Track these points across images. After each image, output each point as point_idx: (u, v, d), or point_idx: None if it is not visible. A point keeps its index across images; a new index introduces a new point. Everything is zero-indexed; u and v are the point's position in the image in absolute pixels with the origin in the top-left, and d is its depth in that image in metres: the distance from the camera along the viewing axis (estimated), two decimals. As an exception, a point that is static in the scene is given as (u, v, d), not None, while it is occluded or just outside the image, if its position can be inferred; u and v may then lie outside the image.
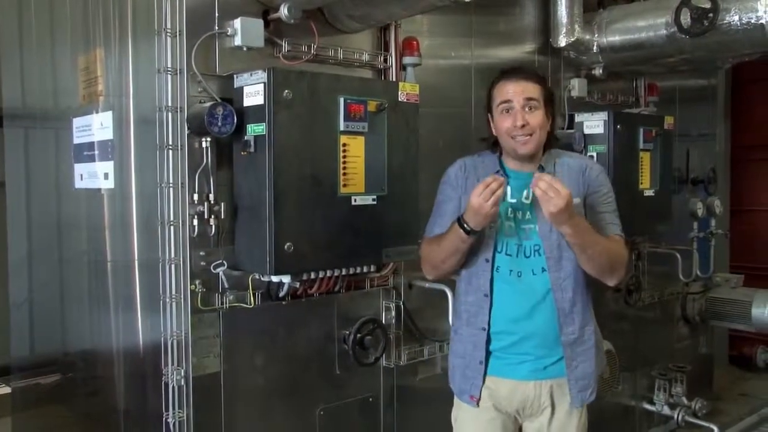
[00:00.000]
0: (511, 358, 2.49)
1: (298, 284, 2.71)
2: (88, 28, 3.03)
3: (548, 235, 2.43)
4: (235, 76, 2.63)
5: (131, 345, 2.82)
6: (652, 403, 4.74)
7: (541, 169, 2.47)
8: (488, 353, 2.52)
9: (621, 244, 2.51)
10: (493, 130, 2.52)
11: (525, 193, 2.47)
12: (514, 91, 2.42)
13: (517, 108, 2.41)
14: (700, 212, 4.96)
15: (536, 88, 2.44)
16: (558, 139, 2.60)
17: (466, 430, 2.62)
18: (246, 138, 2.56)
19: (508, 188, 2.46)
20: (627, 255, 2.55)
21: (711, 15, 3.47)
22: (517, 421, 2.59)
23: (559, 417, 2.52)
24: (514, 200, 2.49)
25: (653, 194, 4.16)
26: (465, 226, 2.35)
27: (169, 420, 2.57)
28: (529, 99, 2.41)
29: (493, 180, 2.28)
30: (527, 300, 2.46)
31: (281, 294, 2.75)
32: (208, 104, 2.52)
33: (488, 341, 2.51)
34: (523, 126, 2.39)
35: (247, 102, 2.57)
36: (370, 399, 3.15)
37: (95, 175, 2.97)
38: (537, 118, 2.42)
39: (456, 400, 2.65)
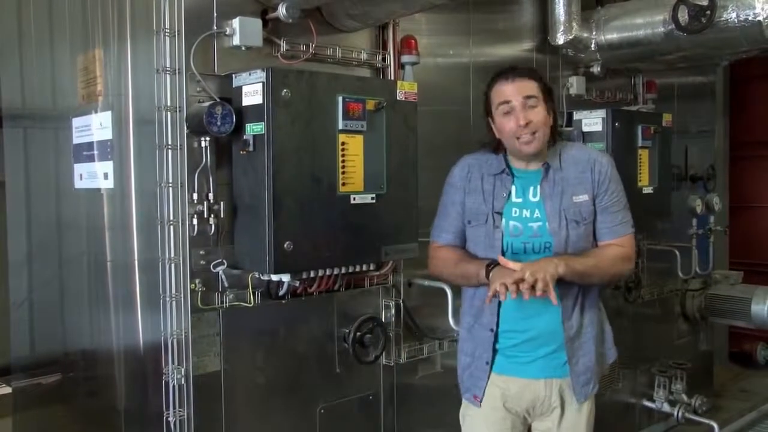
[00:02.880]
0: (521, 357, 2.49)
1: (297, 283, 2.71)
2: (87, 28, 3.03)
3: (558, 231, 2.43)
4: (233, 75, 2.64)
5: (131, 344, 2.82)
6: (652, 400, 4.74)
7: (547, 166, 2.47)
8: (496, 352, 2.52)
9: (618, 248, 2.49)
10: (496, 133, 2.51)
11: (531, 191, 2.48)
12: (512, 91, 2.41)
13: (517, 107, 2.40)
14: (699, 209, 4.96)
15: (533, 85, 2.43)
16: (561, 133, 2.60)
17: (476, 428, 2.61)
18: (245, 137, 2.56)
19: (513, 188, 2.48)
20: (630, 252, 2.53)
21: (708, 12, 3.47)
22: (527, 421, 2.58)
23: (568, 417, 2.51)
24: (520, 199, 2.48)
25: (652, 191, 4.17)
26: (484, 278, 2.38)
27: (170, 419, 2.57)
28: (528, 97, 2.40)
29: (501, 287, 2.26)
30: (537, 298, 2.38)
31: (281, 293, 2.75)
32: (207, 104, 2.52)
33: (496, 341, 2.51)
34: (526, 124, 2.38)
35: (246, 101, 2.57)
36: (370, 397, 3.16)
37: (95, 175, 2.97)
38: (539, 114, 2.41)
39: (464, 401, 2.64)
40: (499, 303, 2.47)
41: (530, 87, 2.42)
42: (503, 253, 2.44)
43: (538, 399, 2.50)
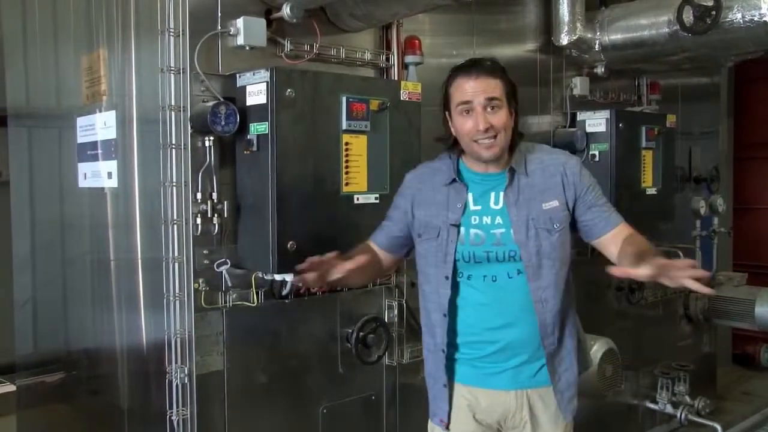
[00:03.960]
0: (489, 368, 2.32)
1: (300, 283, 2.71)
2: (91, 28, 3.04)
3: (525, 242, 2.22)
4: (237, 75, 2.64)
5: (135, 343, 2.83)
6: (655, 401, 4.73)
7: (512, 171, 2.27)
8: (463, 362, 2.35)
9: (637, 233, 2.30)
10: (452, 130, 2.29)
11: (493, 197, 2.28)
12: (474, 91, 2.18)
13: (478, 110, 2.18)
14: (702, 211, 4.96)
15: (497, 85, 2.20)
16: (523, 135, 2.34)
17: None
18: (249, 137, 2.57)
19: (470, 195, 2.28)
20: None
21: (713, 13, 3.46)
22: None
23: (544, 429, 2.35)
24: (478, 207, 2.28)
25: (656, 193, 4.16)
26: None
27: (173, 418, 2.58)
28: (491, 99, 2.18)
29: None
30: (507, 306, 2.27)
31: (284, 292, 2.75)
32: (210, 103, 2.52)
33: (460, 351, 2.34)
34: (486, 129, 2.17)
35: (250, 101, 2.57)
36: (373, 397, 3.16)
37: (99, 174, 2.98)
38: (500, 118, 2.19)
39: (430, 421, 2.48)
40: (452, 320, 2.30)
41: (493, 86, 2.19)
42: (466, 263, 2.26)
43: (509, 411, 2.33)
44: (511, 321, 2.27)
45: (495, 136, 2.19)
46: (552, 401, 2.34)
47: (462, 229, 2.26)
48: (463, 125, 2.22)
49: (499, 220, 2.26)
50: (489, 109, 2.18)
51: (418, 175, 2.41)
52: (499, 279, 2.27)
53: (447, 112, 2.29)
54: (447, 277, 2.27)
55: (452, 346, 2.34)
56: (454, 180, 2.30)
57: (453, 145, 2.33)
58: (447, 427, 2.38)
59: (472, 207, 2.28)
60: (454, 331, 2.33)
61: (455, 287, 2.30)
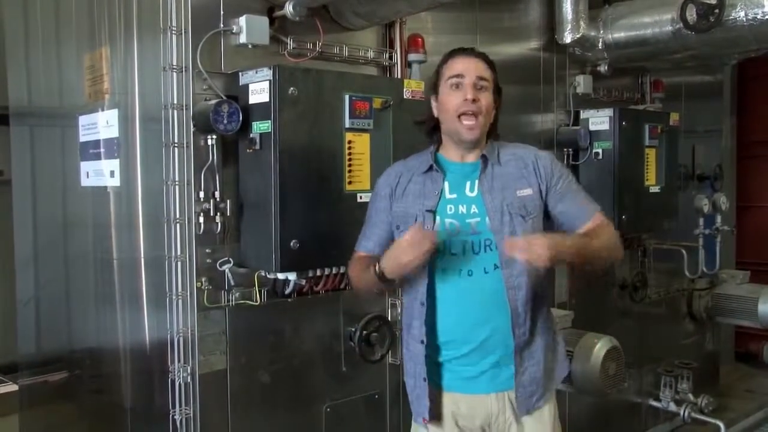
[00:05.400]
0: (466, 370, 2.27)
1: (303, 281, 2.70)
2: (93, 27, 3.04)
3: (500, 228, 2.21)
4: (240, 73, 2.63)
5: (138, 342, 2.83)
6: (658, 399, 4.72)
7: (484, 158, 2.27)
8: (440, 366, 2.30)
9: (608, 225, 2.31)
10: (435, 112, 2.32)
11: (468, 185, 2.27)
12: (467, 67, 2.25)
13: (467, 84, 2.22)
14: (706, 208, 4.95)
15: (489, 71, 2.27)
16: (499, 136, 2.37)
17: None
18: (251, 135, 2.56)
19: (446, 183, 2.28)
20: (613, 230, 2.32)
21: (717, 11, 3.46)
22: None
23: (529, 428, 2.30)
24: (454, 195, 2.27)
25: (659, 191, 4.16)
26: (381, 272, 2.16)
27: (176, 417, 2.58)
28: (481, 78, 2.24)
29: (415, 234, 2.08)
30: (481, 303, 2.23)
31: (287, 291, 2.74)
32: (213, 102, 2.52)
33: (438, 353, 2.29)
34: (474, 101, 2.20)
35: (253, 99, 2.57)
36: (376, 396, 3.15)
37: (101, 173, 2.98)
38: (486, 99, 2.24)
39: (413, 422, 2.43)
40: (431, 312, 2.26)
41: (485, 70, 2.26)
42: (441, 254, 2.22)
43: (491, 415, 2.28)
44: (486, 317, 2.23)
45: (477, 116, 2.22)
46: (515, 397, 2.28)
47: (437, 218, 2.25)
48: (451, 100, 2.24)
49: (474, 209, 2.25)
50: (478, 88, 2.23)
51: (393, 172, 2.39)
52: (476, 274, 2.23)
53: (433, 96, 2.33)
54: (424, 266, 2.20)
55: (430, 347, 2.30)
56: (431, 168, 2.30)
57: (432, 131, 2.36)
58: (428, 423, 2.32)
59: (447, 195, 2.28)
60: (433, 331, 2.29)
61: (431, 283, 2.26)
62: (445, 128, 2.31)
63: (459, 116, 2.23)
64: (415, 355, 2.31)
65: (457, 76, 2.24)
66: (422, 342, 2.28)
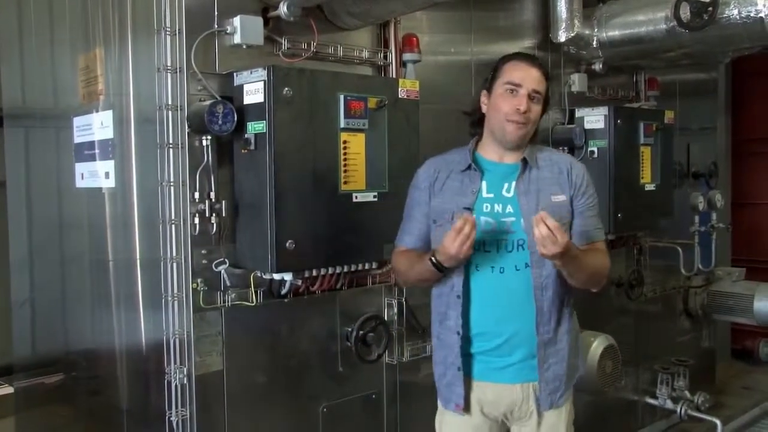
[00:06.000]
0: (495, 362, 2.39)
1: (299, 282, 2.70)
2: (87, 28, 3.03)
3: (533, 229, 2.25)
4: (234, 74, 2.63)
5: (133, 344, 2.82)
6: (654, 397, 4.73)
7: (525, 162, 2.37)
8: (470, 356, 2.41)
9: (605, 255, 2.42)
10: (484, 108, 2.42)
11: (505, 186, 2.37)
12: (527, 77, 2.33)
13: (523, 93, 2.31)
14: (701, 206, 4.96)
15: (544, 84, 2.36)
16: (537, 136, 2.48)
17: None
18: (246, 136, 2.56)
19: (483, 183, 2.37)
20: (608, 263, 2.44)
21: (710, 9, 3.47)
22: (505, 425, 2.50)
23: (547, 420, 2.41)
24: (491, 195, 2.37)
25: (654, 188, 4.17)
26: (438, 265, 2.26)
27: (172, 418, 2.57)
28: (537, 91, 2.33)
29: (464, 223, 2.15)
30: (511, 298, 2.34)
31: (283, 291, 2.75)
32: (208, 102, 2.51)
33: (469, 344, 2.40)
34: (525, 112, 2.30)
35: (247, 100, 2.57)
36: (374, 396, 3.15)
37: (96, 174, 2.97)
38: (537, 111, 2.35)
39: (440, 406, 2.53)
40: (468, 306, 2.36)
41: (542, 83, 2.35)
42: (476, 250, 2.28)
43: (515, 404, 2.41)
44: (514, 314, 2.35)
45: (526, 124, 2.32)
46: (540, 391, 2.40)
47: (474, 215, 2.31)
48: (503, 104, 2.33)
49: (509, 208, 2.35)
50: (532, 99, 2.32)
51: (433, 164, 2.48)
52: (507, 271, 2.34)
53: (486, 90, 2.41)
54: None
55: (463, 338, 2.39)
56: (469, 166, 2.39)
57: (476, 123, 2.45)
58: (463, 412, 2.43)
59: (485, 194, 2.37)
60: (466, 323, 2.39)
61: (466, 278, 2.36)
62: (490, 125, 2.40)
63: (509, 120, 2.32)
64: (448, 345, 2.42)
65: (516, 84, 2.32)
66: (458, 333, 2.38)
